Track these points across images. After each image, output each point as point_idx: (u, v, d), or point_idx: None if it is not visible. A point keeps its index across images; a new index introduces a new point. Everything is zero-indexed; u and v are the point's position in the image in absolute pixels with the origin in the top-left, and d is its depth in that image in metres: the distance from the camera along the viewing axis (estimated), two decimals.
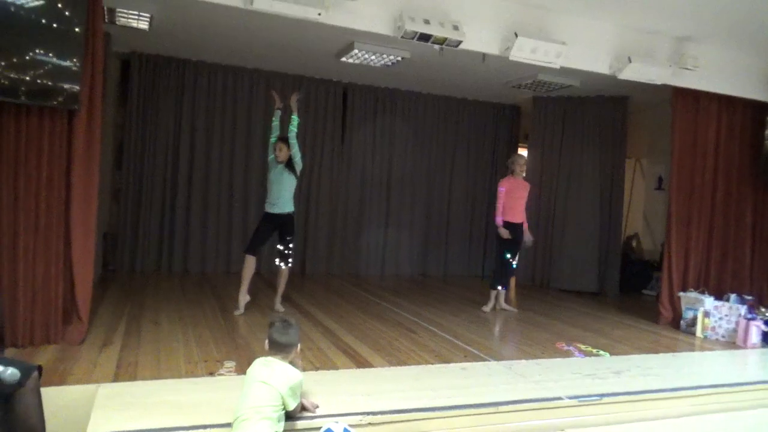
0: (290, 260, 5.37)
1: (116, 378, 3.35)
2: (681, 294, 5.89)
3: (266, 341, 2.81)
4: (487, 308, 6.14)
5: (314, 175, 8.04)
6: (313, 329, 4.80)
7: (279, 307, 5.44)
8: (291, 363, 2.78)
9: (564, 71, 5.75)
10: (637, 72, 5.32)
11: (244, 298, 5.26)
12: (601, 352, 4.62)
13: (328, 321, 5.18)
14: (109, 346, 3.95)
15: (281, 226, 5.30)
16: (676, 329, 5.74)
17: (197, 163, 7.48)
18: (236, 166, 7.65)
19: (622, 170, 7.96)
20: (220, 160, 7.58)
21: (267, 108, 7.75)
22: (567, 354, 4.53)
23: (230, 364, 3.69)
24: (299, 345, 2.88)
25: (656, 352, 4.80)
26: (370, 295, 6.75)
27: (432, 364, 4.03)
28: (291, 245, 5.33)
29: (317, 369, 3.71)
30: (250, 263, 5.24)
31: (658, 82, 5.49)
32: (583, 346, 4.76)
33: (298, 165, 5.21)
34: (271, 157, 5.28)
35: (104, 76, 4.28)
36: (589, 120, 7.92)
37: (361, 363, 3.94)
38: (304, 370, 3.16)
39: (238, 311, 5.19)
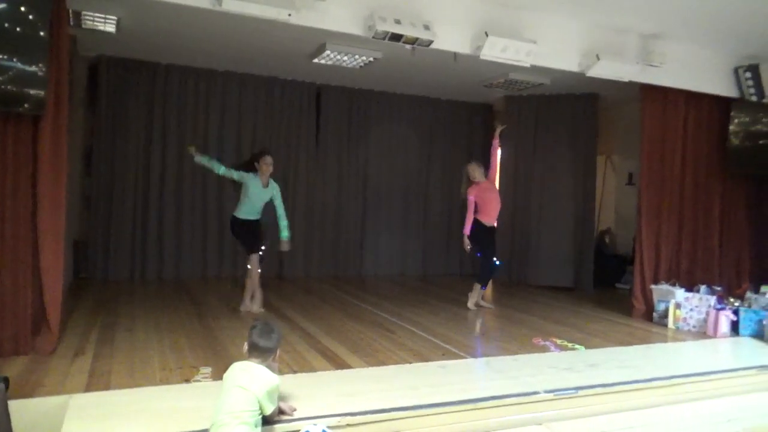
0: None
1: (89, 388, 3.28)
2: (653, 287, 5.98)
3: (245, 345, 2.78)
4: (471, 303, 6.18)
5: (289, 178, 7.99)
6: (290, 332, 4.76)
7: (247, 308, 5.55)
8: (268, 367, 2.76)
9: (535, 69, 5.81)
10: (605, 69, 5.40)
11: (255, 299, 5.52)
12: (577, 346, 4.67)
13: (305, 323, 5.15)
14: (81, 355, 3.87)
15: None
16: (650, 321, 5.83)
17: (169, 168, 7.38)
18: (208, 176, 7.53)
19: (594, 167, 8.07)
20: (192, 164, 7.43)
21: (241, 111, 7.69)
22: (543, 349, 4.57)
23: (206, 370, 3.64)
24: (279, 350, 2.86)
25: (630, 344, 4.86)
26: (348, 296, 6.73)
27: (411, 363, 4.03)
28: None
29: (295, 372, 3.68)
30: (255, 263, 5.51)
31: (626, 79, 5.57)
32: (559, 341, 4.80)
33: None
34: (252, 177, 5.37)
35: (71, 80, 4.19)
36: (561, 118, 8.00)
37: (340, 364, 3.92)
38: (281, 373, 3.13)
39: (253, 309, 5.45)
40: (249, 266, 5.55)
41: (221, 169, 5.41)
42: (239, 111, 7.69)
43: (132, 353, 3.97)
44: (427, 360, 4.12)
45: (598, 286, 7.89)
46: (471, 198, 6.13)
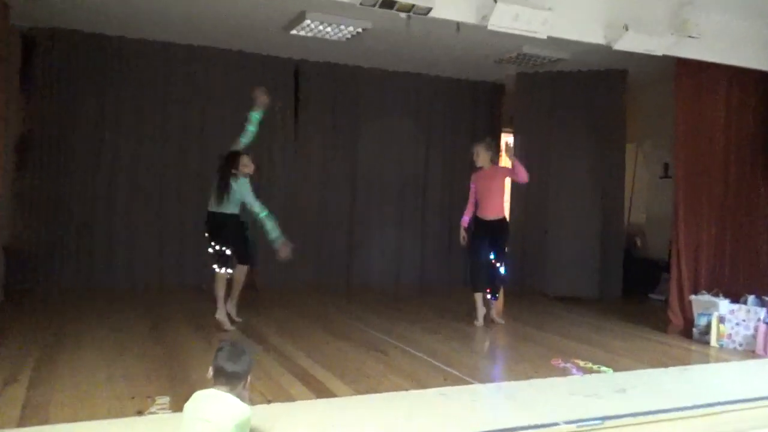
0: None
1: (22, 423, 3.24)
2: (692, 297, 6.00)
3: (210, 370, 2.76)
4: (478, 322, 6.18)
5: (263, 173, 7.95)
6: (264, 354, 4.74)
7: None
8: (237, 396, 2.74)
9: (552, 42, 5.80)
10: (635, 42, 5.40)
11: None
12: (603, 368, 4.67)
13: (281, 343, 5.13)
14: (13, 384, 3.83)
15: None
16: (688, 338, 5.85)
17: (123, 160, 7.37)
18: (170, 165, 7.54)
19: (622, 156, 8.09)
20: (150, 157, 7.47)
21: (206, 92, 7.66)
22: (563, 372, 4.56)
23: (163, 400, 3.61)
24: (249, 376, 2.85)
25: (666, 365, 4.87)
26: (333, 310, 6.72)
27: (407, 389, 4.01)
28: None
29: (269, 402, 3.65)
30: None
31: (660, 53, 5.58)
32: (581, 362, 4.80)
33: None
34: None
35: (2, 56, 4.15)
36: (583, 99, 8.03)
37: (322, 392, 3.91)
38: (253, 403, 3.11)
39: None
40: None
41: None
42: (204, 92, 7.67)
43: (76, 380, 3.93)
44: (425, 386, 4.10)
45: (628, 297, 7.93)
46: (472, 186, 6.19)
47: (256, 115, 5.68)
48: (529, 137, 8.37)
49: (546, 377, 4.38)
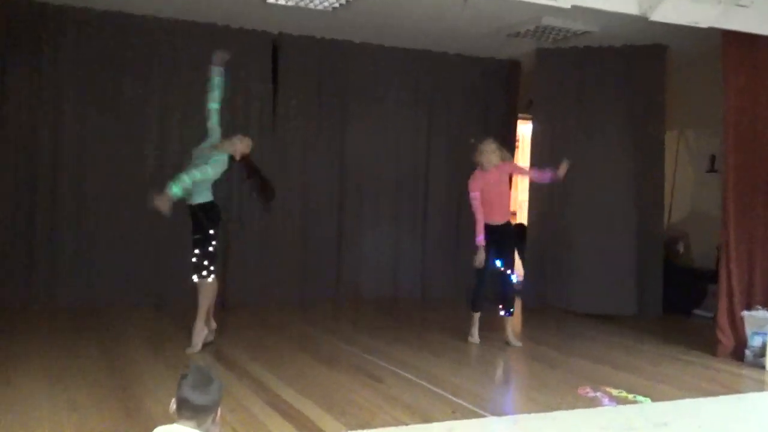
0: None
1: None
2: (744, 314, 6.01)
3: (173, 402, 2.74)
4: (473, 339, 6.34)
5: (234, 168, 7.91)
6: (237, 383, 4.72)
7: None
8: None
9: (577, 12, 5.82)
10: (675, 12, 5.40)
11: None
12: (639, 398, 4.67)
13: (258, 369, 5.12)
14: None
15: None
16: (740, 361, 5.86)
17: (67, 156, 7.32)
18: (124, 160, 7.49)
19: (662, 147, 8.09)
20: (100, 149, 7.43)
21: (167, 71, 7.64)
22: (593, 402, 4.56)
23: None
24: (219, 409, 2.82)
25: (713, 394, 4.87)
26: (318, 330, 6.71)
27: (406, 424, 4.00)
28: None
29: None
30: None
31: (704, 25, 5.58)
32: (614, 391, 4.81)
33: None
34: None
35: None
36: (614, 80, 8.04)
37: (306, 427, 3.89)
38: None
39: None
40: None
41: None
42: (164, 71, 7.65)
43: (12, 415, 3.90)
44: (429, 420, 4.09)
45: (668, 314, 7.93)
46: (475, 194, 6.27)
47: (216, 78, 5.88)
48: (550, 125, 8.37)
49: (572, 409, 4.37)
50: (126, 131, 7.55)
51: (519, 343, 6.34)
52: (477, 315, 6.40)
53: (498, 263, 6.30)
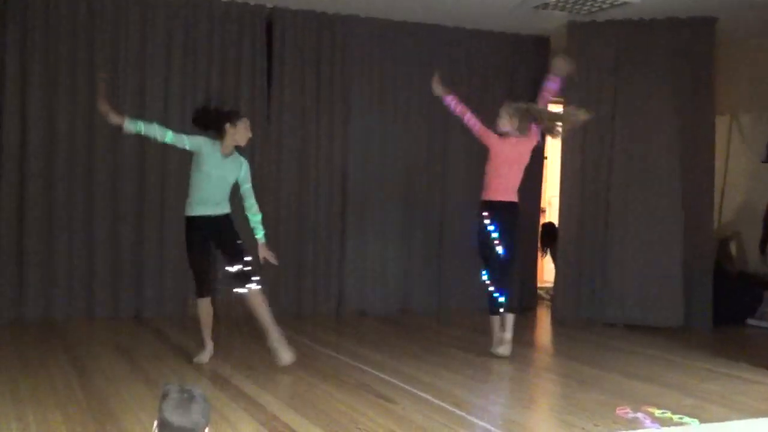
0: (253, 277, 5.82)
1: None
2: None
3: (155, 425, 2.79)
4: (500, 349, 6.32)
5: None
6: (229, 403, 4.77)
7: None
8: None
9: None
10: None
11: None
12: (686, 419, 4.68)
13: (253, 389, 5.15)
14: None
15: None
16: None
17: (33, 146, 7.38)
18: (97, 153, 7.56)
19: (711, 133, 8.10)
20: (69, 143, 7.50)
21: (147, 49, 7.68)
22: (633, 424, 4.57)
23: None
24: (207, 429, 2.88)
25: None
26: (320, 345, 6.74)
27: None
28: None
29: None
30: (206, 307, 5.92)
31: None
32: (657, 411, 4.81)
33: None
34: (208, 143, 5.70)
35: None
36: (658, 57, 8.05)
37: None
38: None
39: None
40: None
41: (168, 136, 5.66)
42: (140, 54, 7.70)
43: None
44: None
45: (719, 324, 7.94)
46: (486, 134, 6.37)
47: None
48: (584, 108, 8.33)
49: (609, 431, 4.38)
50: (100, 120, 7.55)
51: (505, 353, 6.32)
52: (496, 319, 6.38)
53: (502, 252, 6.33)
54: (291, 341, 6.69)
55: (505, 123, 6.34)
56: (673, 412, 4.80)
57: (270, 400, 4.89)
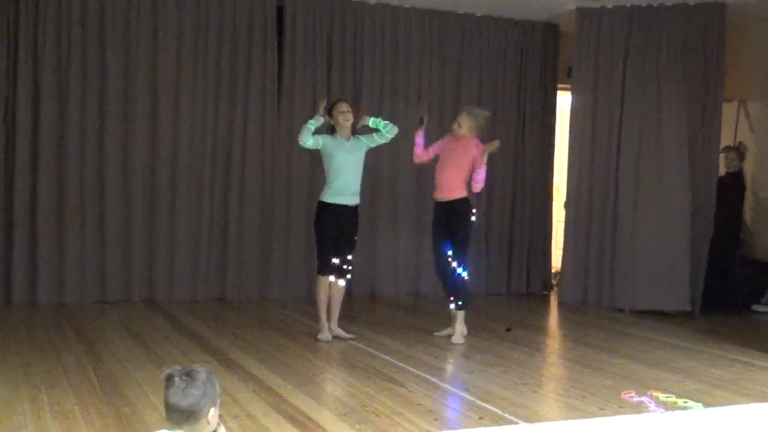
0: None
1: None
2: None
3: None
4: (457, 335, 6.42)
5: (235, 151, 8.01)
6: (239, 385, 4.78)
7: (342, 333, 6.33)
8: None
9: None
10: None
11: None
12: (691, 404, 4.68)
13: (263, 372, 5.17)
14: None
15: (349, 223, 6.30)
16: None
17: (44, 137, 7.40)
18: (109, 140, 7.58)
19: (719, 120, 8.07)
20: (81, 132, 7.52)
21: (157, 39, 7.68)
22: (638, 408, 4.58)
23: None
24: (213, 409, 2.88)
25: None
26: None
27: None
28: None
29: None
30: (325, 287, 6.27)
31: None
32: (663, 396, 4.82)
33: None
34: (322, 140, 6.15)
35: None
36: (667, 42, 8.02)
37: None
38: None
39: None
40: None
41: (311, 137, 6.11)
42: (152, 42, 7.71)
43: None
44: (454, 428, 4.13)
45: (726, 309, 7.94)
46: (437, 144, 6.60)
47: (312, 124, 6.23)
48: (593, 95, 8.34)
49: (615, 415, 4.39)
50: (112, 109, 7.57)
51: (462, 340, 6.37)
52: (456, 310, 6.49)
53: (450, 252, 6.40)
54: (302, 325, 6.76)
55: (465, 126, 6.45)
56: (678, 397, 4.81)
57: (280, 384, 4.89)
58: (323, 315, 6.26)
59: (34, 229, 7.41)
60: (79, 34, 7.49)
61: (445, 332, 6.51)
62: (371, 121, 6.32)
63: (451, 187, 6.40)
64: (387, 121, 6.34)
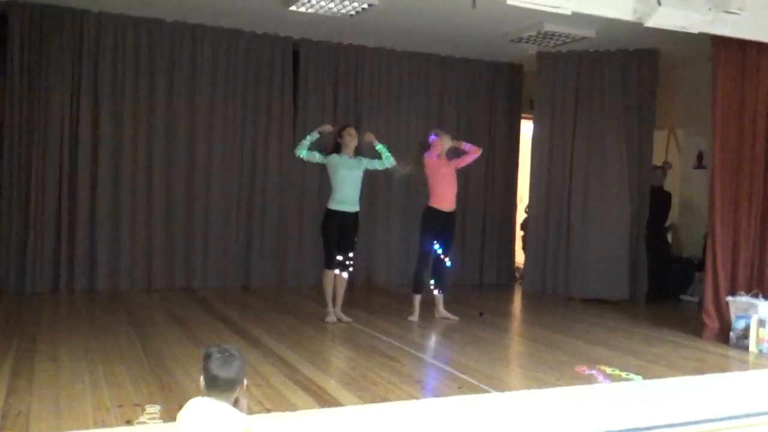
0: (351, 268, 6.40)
1: None
2: (729, 299, 6.01)
3: (201, 378, 2.78)
4: (413, 318, 6.44)
5: (257, 163, 7.99)
6: (261, 360, 4.77)
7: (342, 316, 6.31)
8: (235, 405, 2.75)
9: (577, 18, 5.81)
10: (668, 18, 5.39)
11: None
12: (632, 376, 4.70)
13: (281, 348, 5.17)
14: None
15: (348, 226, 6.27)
16: (725, 343, 5.86)
17: (103, 151, 7.37)
18: (155, 156, 7.56)
19: (651, 144, 8.09)
20: (133, 147, 7.48)
21: (195, 74, 7.66)
22: (589, 380, 4.59)
23: (154, 409, 3.65)
24: (245, 381, 2.86)
25: (701, 372, 4.90)
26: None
27: (418, 399, 4.05)
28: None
29: (269, 411, 3.69)
30: (330, 279, 6.26)
31: (695, 31, 5.58)
32: (609, 369, 4.83)
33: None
34: (325, 159, 6.21)
35: None
36: (610, 81, 8.03)
37: (327, 401, 3.94)
38: (251, 412, 3.13)
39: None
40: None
41: (307, 153, 6.16)
42: (192, 74, 7.68)
43: (57, 388, 3.96)
44: (438, 395, 4.15)
45: (658, 298, 7.94)
46: (430, 172, 6.54)
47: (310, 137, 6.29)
48: (550, 124, 8.36)
49: (570, 385, 4.40)
50: (157, 130, 7.56)
51: (455, 317, 6.51)
52: (418, 297, 6.50)
53: (440, 249, 6.47)
54: (312, 312, 6.73)
55: (446, 145, 6.52)
56: (622, 370, 4.83)
57: (294, 358, 4.89)
58: (330, 301, 6.26)
59: (93, 225, 7.36)
60: (130, 76, 7.46)
61: (446, 315, 6.58)
62: (378, 146, 6.31)
63: (454, 199, 6.51)
64: (389, 154, 6.34)
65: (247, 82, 7.93)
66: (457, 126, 8.88)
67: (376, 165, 6.35)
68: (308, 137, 6.20)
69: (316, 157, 6.21)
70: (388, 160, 6.33)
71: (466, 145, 6.65)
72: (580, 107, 8.21)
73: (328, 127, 6.38)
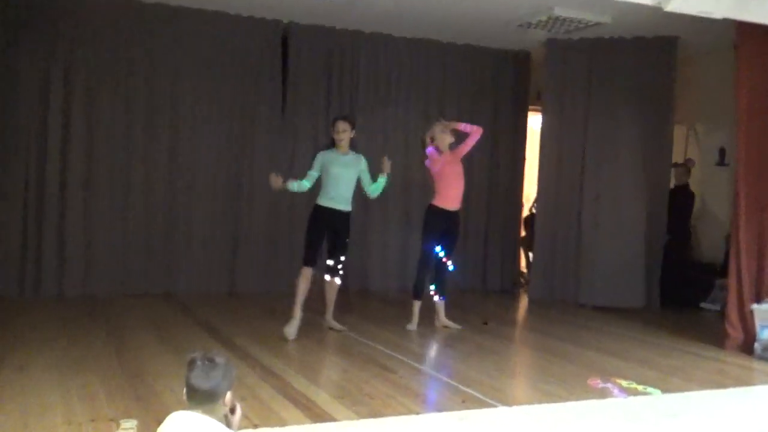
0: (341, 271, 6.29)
1: None
2: (754, 307, 6.00)
3: (184, 389, 2.75)
4: (412, 326, 6.41)
5: (244, 158, 7.98)
6: (249, 372, 4.75)
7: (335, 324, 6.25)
8: (223, 420, 2.72)
9: (590, 3, 5.82)
10: (689, 3, 5.40)
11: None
12: (650, 389, 4.70)
13: (269, 359, 5.15)
14: None
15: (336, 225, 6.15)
16: (749, 354, 5.86)
17: (76, 144, 7.34)
18: (133, 149, 7.54)
19: (670, 140, 8.09)
20: (109, 143, 7.46)
21: (176, 60, 7.63)
22: (603, 393, 4.59)
23: (130, 424, 3.62)
24: (230, 393, 2.83)
25: (723, 386, 4.89)
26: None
27: (417, 413, 4.03)
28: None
29: (256, 427, 3.67)
30: (306, 277, 6.06)
31: (719, 16, 5.57)
32: (624, 382, 4.83)
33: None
34: (318, 164, 6.09)
35: None
36: (625, 71, 8.03)
37: (319, 416, 3.92)
38: (240, 429, 3.10)
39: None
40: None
41: (306, 185, 6.07)
42: (173, 60, 7.66)
43: (25, 399, 3.94)
44: (440, 409, 4.13)
45: (677, 307, 7.95)
46: (435, 169, 6.48)
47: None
48: (559, 116, 8.36)
49: (582, 399, 4.39)
50: (135, 120, 7.54)
51: (458, 326, 6.49)
52: (418, 304, 6.48)
53: (442, 252, 6.47)
54: (304, 317, 6.67)
55: (441, 140, 6.49)
56: (638, 383, 4.83)
57: (284, 369, 4.88)
58: (298, 303, 5.94)
59: (64, 227, 7.32)
60: (106, 61, 7.41)
61: (448, 323, 6.55)
62: (381, 179, 6.24)
63: (460, 198, 6.49)
64: (382, 191, 6.33)
65: (232, 72, 7.89)
66: (459, 119, 8.86)
67: (364, 182, 6.25)
68: (294, 186, 6.01)
69: (312, 177, 6.09)
70: (374, 192, 6.28)
71: (465, 126, 6.56)
72: (593, 99, 8.20)
73: (276, 182, 5.97)
